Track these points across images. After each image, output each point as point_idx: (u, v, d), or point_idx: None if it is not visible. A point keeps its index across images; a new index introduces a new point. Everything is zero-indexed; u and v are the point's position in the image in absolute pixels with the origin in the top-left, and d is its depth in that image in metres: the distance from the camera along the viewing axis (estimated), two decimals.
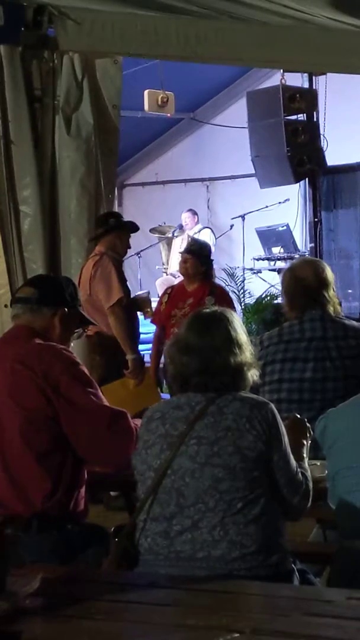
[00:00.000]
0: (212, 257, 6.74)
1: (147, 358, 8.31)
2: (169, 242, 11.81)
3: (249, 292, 11.11)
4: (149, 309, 6.24)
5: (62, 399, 3.05)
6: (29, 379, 3.05)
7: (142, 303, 6.11)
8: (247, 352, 2.79)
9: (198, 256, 6.50)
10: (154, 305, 6.64)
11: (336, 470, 2.77)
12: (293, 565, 2.70)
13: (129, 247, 6.01)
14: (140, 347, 6.42)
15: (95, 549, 3.14)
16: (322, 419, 2.86)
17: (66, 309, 3.28)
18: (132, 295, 6.07)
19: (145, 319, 6.39)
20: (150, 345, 7.31)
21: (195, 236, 10.51)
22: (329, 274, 3.97)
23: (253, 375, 2.81)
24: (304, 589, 2.60)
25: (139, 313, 6.11)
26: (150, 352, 7.29)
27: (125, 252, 6.03)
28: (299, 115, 9.90)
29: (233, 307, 6.79)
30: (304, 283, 3.93)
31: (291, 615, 2.10)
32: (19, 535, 2.96)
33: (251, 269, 11.19)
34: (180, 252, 6.90)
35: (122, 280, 5.76)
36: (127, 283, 6.01)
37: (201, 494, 2.60)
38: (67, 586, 2.40)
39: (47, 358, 3.09)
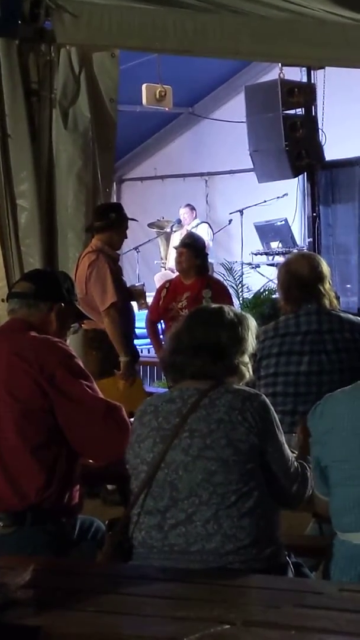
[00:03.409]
0: (207, 252, 6.79)
1: (145, 352, 8.36)
2: (167, 237, 11.80)
3: (247, 287, 11.10)
4: (143, 301, 6.27)
5: (58, 391, 3.04)
6: (25, 371, 3.05)
7: (137, 295, 6.12)
8: (249, 347, 2.82)
9: (193, 249, 6.56)
10: (150, 298, 6.67)
11: (330, 461, 2.75)
12: (287, 559, 2.70)
13: (126, 237, 6.02)
14: (138, 342, 6.43)
15: (90, 542, 3.14)
16: (318, 404, 2.84)
17: (63, 304, 3.28)
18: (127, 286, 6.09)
19: (139, 310, 6.42)
20: (148, 340, 7.34)
21: (193, 231, 10.51)
22: (325, 267, 3.98)
23: (249, 369, 2.83)
24: (296, 580, 2.60)
25: (134, 304, 6.13)
26: (148, 346, 7.33)
27: (121, 246, 6.05)
28: (297, 110, 9.89)
29: (230, 299, 6.84)
30: (299, 277, 3.93)
31: (282, 607, 2.10)
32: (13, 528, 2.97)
33: (249, 264, 11.19)
34: (175, 247, 6.94)
35: (118, 280, 5.75)
36: (125, 278, 6.02)
37: (195, 487, 2.60)
38: (60, 578, 2.41)
39: (42, 350, 3.09)
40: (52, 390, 3.04)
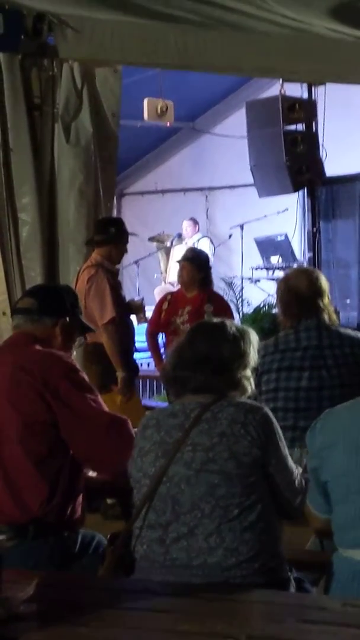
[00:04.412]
0: (210, 266, 6.81)
1: (144, 367, 8.36)
2: (167, 251, 11.81)
3: (247, 302, 11.12)
4: (142, 315, 6.28)
5: (62, 405, 3.05)
6: (29, 384, 3.05)
7: (136, 309, 6.14)
8: (251, 361, 2.83)
9: (195, 263, 6.59)
10: (150, 312, 6.69)
11: (330, 476, 2.75)
12: (289, 573, 2.69)
13: (126, 252, 6.04)
14: (138, 355, 6.44)
15: (91, 556, 3.13)
16: (318, 420, 2.84)
17: (67, 318, 3.29)
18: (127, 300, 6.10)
19: (138, 324, 6.43)
20: (148, 354, 7.35)
21: (194, 245, 10.53)
22: (324, 282, 3.98)
23: (251, 383, 2.84)
24: (299, 595, 2.59)
25: (133, 318, 6.14)
26: (148, 360, 7.32)
27: (120, 260, 6.06)
28: (298, 125, 9.91)
29: (232, 315, 6.85)
30: (298, 292, 3.94)
31: (285, 622, 2.10)
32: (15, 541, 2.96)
33: (250, 279, 11.19)
34: (177, 261, 6.97)
35: (117, 295, 5.76)
36: (125, 292, 6.02)
37: (197, 501, 2.60)
38: (62, 592, 2.40)
39: (47, 364, 3.10)
40: (56, 403, 3.04)
